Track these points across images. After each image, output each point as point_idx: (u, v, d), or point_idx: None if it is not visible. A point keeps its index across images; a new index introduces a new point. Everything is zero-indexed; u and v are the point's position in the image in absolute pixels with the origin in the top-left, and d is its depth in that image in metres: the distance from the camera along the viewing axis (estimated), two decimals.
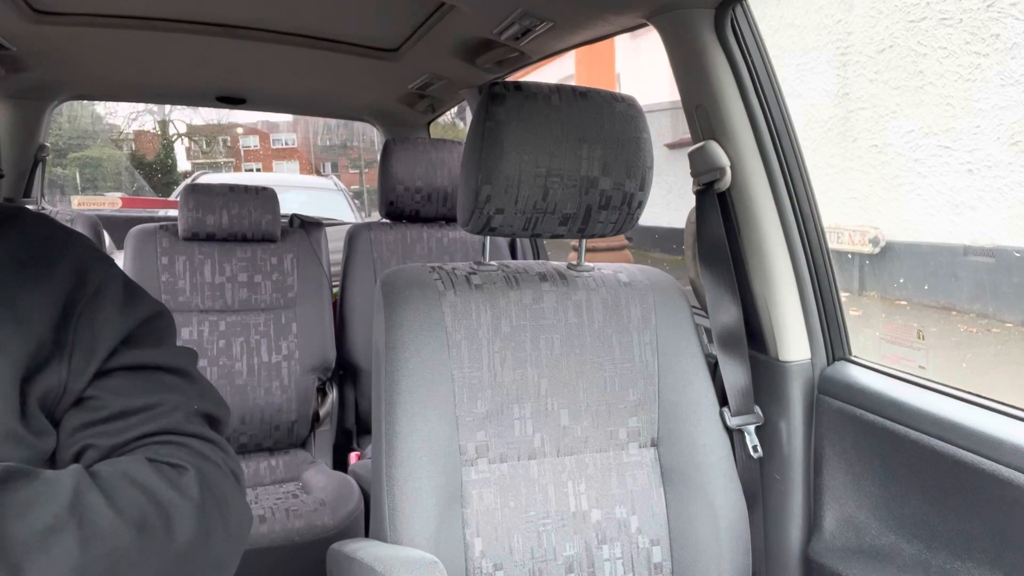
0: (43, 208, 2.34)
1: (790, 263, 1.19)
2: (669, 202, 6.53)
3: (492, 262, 1.15)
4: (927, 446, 0.97)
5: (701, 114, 1.22)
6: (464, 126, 8.61)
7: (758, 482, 1.21)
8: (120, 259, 1.99)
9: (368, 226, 2.17)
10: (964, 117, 4.63)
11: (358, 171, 19.76)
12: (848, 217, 5.35)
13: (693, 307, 1.21)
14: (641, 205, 1.11)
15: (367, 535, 1.14)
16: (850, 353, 1.21)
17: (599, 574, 1.07)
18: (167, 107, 15.41)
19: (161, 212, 4.26)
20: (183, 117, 17.01)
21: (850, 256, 5.21)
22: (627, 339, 1.14)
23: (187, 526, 0.60)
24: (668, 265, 6.22)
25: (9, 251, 0.66)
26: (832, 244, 1.28)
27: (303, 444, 2.07)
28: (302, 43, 1.78)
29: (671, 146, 7.37)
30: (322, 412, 2.09)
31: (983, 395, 0.99)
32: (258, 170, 20.45)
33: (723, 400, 1.18)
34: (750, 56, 1.18)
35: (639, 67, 8.50)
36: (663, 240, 7.54)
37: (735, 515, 1.11)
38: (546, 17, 1.39)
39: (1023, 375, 3.90)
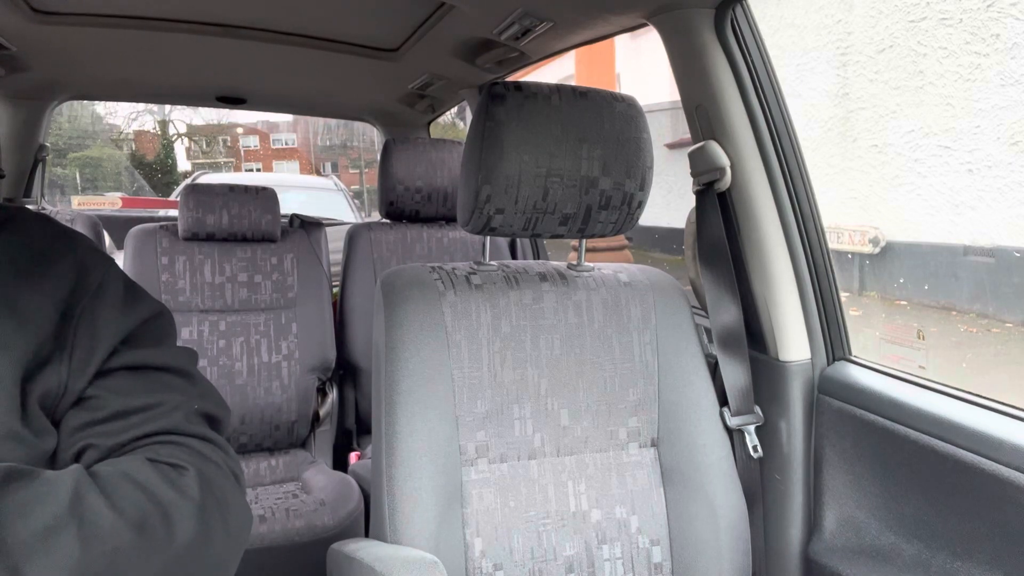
0: (43, 208, 2.34)
1: (790, 263, 1.19)
2: (669, 202, 6.53)
3: (492, 262, 1.15)
4: (927, 446, 0.97)
5: (701, 114, 1.22)
6: (464, 126, 8.60)
7: (758, 482, 1.21)
8: (120, 259, 1.99)
9: (368, 226, 2.17)
10: (964, 117, 4.63)
11: (358, 171, 19.77)
12: (848, 217, 5.35)
13: (693, 307, 1.21)
14: (641, 205, 1.11)
15: (367, 535, 1.14)
16: (850, 353, 1.21)
17: (599, 574, 1.07)
18: (167, 107, 15.43)
19: (161, 212, 4.25)
20: (183, 117, 17.05)
21: (850, 256, 5.21)
22: (627, 339, 1.14)
23: (187, 526, 0.60)
24: (668, 265, 6.21)
25: (9, 251, 0.66)
26: (832, 244, 1.28)
27: (303, 444, 2.07)
28: (302, 43, 1.78)
29: (671, 146, 7.37)
30: (322, 412, 2.09)
31: (983, 395, 0.99)
32: (258, 170, 20.45)
33: (723, 400, 1.18)
34: (750, 56, 1.18)
35: (639, 67, 8.50)
36: (663, 240, 7.54)
37: (735, 515, 1.11)
38: (546, 17, 1.39)
39: (1023, 375, 3.89)
